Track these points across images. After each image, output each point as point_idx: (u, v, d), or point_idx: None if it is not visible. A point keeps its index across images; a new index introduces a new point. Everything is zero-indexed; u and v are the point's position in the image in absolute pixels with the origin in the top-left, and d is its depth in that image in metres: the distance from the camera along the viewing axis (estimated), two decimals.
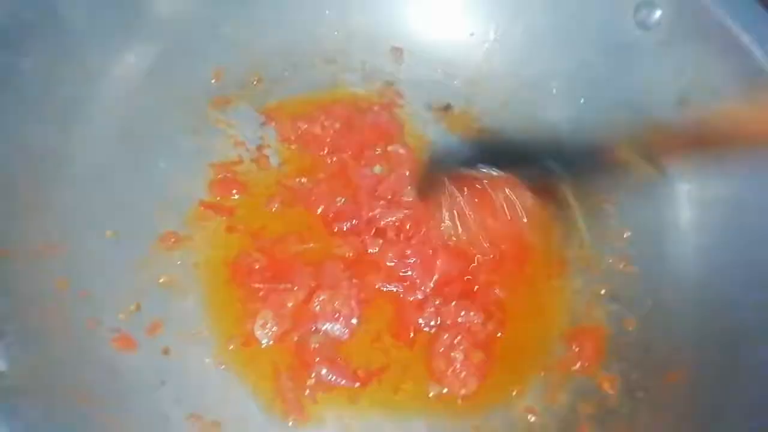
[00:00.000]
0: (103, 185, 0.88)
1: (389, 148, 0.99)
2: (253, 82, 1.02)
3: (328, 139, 0.99)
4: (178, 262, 0.87)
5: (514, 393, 0.84)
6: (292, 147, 0.99)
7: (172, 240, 0.88)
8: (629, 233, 0.95)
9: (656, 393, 0.83)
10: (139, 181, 0.90)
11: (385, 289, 0.89)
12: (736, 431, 0.74)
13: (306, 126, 0.99)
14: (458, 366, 0.83)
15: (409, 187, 0.94)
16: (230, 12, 1.01)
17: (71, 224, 0.83)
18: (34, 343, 0.72)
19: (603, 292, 0.92)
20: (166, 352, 0.81)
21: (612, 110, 0.98)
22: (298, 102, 1.03)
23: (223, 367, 0.81)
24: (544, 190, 0.92)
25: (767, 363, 0.77)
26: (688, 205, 0.93)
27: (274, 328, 0.83)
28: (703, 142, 0.77)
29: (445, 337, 0.85)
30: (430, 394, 0.83)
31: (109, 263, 0.84)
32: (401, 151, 0.99)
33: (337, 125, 1.00)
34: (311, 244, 0.91)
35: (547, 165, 0.93)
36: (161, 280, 0.86)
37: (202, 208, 0.92)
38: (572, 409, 0.84)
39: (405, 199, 0.94)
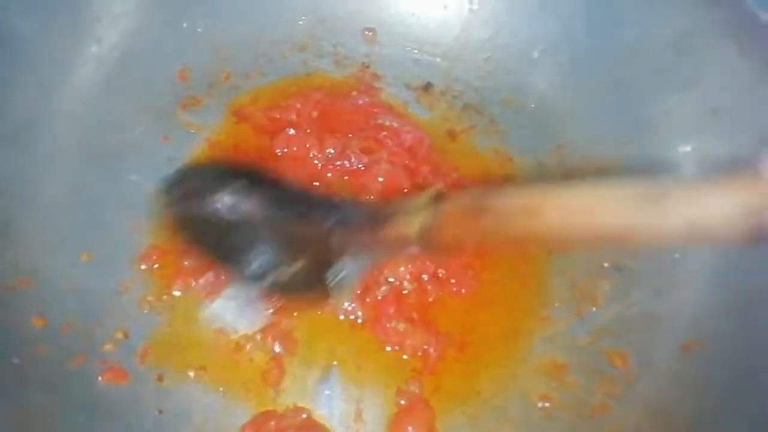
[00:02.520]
0: (72, 206, 0.83)
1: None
2: (221, 79, 0.97)
3: (308, 130, 0.93)
4: (163, 280, 0.83)
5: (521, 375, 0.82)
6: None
7: (154, 256, 0.83)
8: None
9: (673, 365, 0.81)
10: (112, 198, 0.86)
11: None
12: (762, 401, 0.71)
13: (279, 116, 0.94)
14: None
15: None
16: (189, 7, 0.96)
17: (43, 253, 0.79)
18: (13, 396, 0.67)
19: (606, 264, 0.88)
20: (160, 378, 0.77)
21: (598, 74, 0.94)
22: (270, 94, 0.98)
23: (221, 389, 0.77)
24: None
25: None
26: (690, 166, 0.90)
27: None
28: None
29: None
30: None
31: (89, 290, 0.80)
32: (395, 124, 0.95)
33: (315, 113, 0.95)
34: None
35: None
36: (147, 302, 0.81)
37: None
38: (588, 390, 0.81)
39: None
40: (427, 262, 0.86)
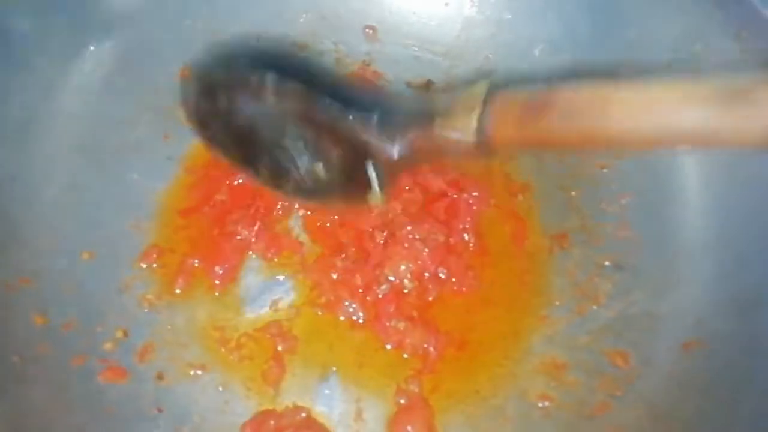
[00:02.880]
0: (73, 205, 0.84)
1: None
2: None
3: None
4: (164, 278, 0.83)
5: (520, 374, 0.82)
6: None
7: (155, 255, 0.83)
8: (628, 198, 0.91)
9: (674, 365, 0.80)
10: (112, 196, 0.86)
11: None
12: (762, 405, 0.71)
13: None
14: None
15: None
16: (190, 5, 0.95)
17: (44, 251, 0.79)
18: (13, 394, 0.67)
19: (607, 263, 0.88)
20: (160, 377, 0.77)
21: (599, 73, 0.94)
22: None
23: (220, 388, 0.78)
24: None
25: None
26: (688, 163, 0.89)
27: None
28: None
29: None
30: None
31: (90, 289, 0.80)
32: None
33: None
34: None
35: None
36: (147, 300, 0.81)
37: (183, 216, 0.86)
38: (588, 389, 0.81)
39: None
40: (428, 261, 0.86)
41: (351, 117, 0.66)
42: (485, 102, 0.60)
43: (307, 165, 0.71)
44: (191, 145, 0.91)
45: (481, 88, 0.61)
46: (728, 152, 0.84)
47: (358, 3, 1.02)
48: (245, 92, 0.70)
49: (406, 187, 0.90)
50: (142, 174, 0.88)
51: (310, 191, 0.74)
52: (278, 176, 0.74)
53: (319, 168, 0.71)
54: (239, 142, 0.75)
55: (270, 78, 0.67)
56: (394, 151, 0.66)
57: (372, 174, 0.68)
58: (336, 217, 0.88)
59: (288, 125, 0.69)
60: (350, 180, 0.71)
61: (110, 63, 0.90)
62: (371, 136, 0.66)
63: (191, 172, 0.89)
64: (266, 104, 0.69)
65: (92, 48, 0.89)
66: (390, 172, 0.69)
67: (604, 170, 0.92)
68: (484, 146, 0.60)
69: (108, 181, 0.86)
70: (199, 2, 0.96)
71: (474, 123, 0.59)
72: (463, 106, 0.61)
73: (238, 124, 0.72)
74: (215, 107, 0.73)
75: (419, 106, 0.65)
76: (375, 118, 0.65)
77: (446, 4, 1.02)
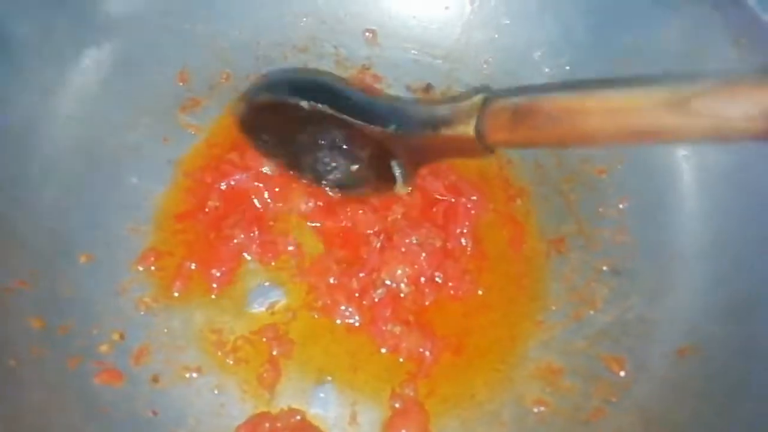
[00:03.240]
0: (71, 208, 0.84)
1: None
2: (222, 81, 0.97)
3: None
4: (161, 281, 0.83)
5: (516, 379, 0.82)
6: None
7: (152, 258, 0.84)
8: (626, 203, 0.91)
9: (670, 370, 0.80)
10: (111, 199, 0.86)
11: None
12: (757, 411, 0.71)
13: None
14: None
15: None
16: (190, 8, 0.95)
17: (41, 254, 0.80)
18: (9, 396, 0.68)
19: (604, 268, 0.88)
20: (155, 380, 0.78)
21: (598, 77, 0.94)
22: None
23: (216, 391, 0.78)
24: None
25: None
26: (686, 169, 0.89)
27: None
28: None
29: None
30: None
31: (87, 292, 0.80)
32: None
33: None
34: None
35: None
36: (144, 303, 0.82)
37: (178, 221, 0.87)
38: (584, 394, 0.81)
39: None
40: (425, 266, 0.86)
41: (374, 128, 0.80)
42: (481, 110, 0.73)
43: (344, 166, 0.87)
44: (190, 148, 0.92)
45: (478, 99, 0.74)
46: (724, 159, 0.84)
47: (358, 7, 1.02)
48: (292, 114, 0.82)
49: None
50: (141, 177, 0.88)
51: (347, 185, 0.89)
52: (320, 175, 0.89)
53: (354, 168, 0.87)
54: (286, 150, 0.88)
55: (312, 105, 0.81)
56: (409, 150, 0.81)
57: (396, 170, 0.84)
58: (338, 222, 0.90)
59: (325, 137, 0.84)
60: (378, 174, 0.86)
61: (109, 66, 0.90)
62: (391, 142, 0.81)
63: (189, 175, 0.90)
64: (309, 123, 0.83)
65: (91, 51, 0.89)
66: (410, 168, 0.84)
67: (602, 175, 0.92)
68: (482, 146, 0.74)
69: (106, 184, 0.87)
70: (198, 6, 0.96)
71: (472, 129, 0.73)
72: (462, 114, 0.75)
73: (285, 136, 0.86)
74: (266, 122, 0.87)
75: (427, 116, 0.79)
76: (393, 128, 0.79)
77: (446, 8, 1.02)
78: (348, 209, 0.88)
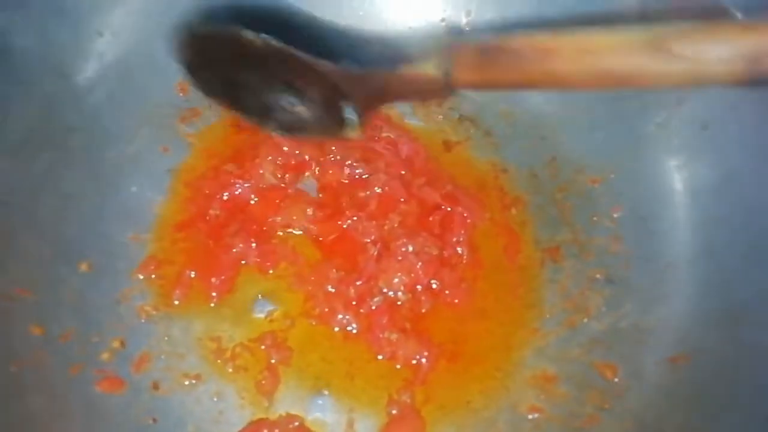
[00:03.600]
0: (72, 217, 0.85)
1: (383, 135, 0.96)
2: None
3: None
4: (161, 289, 0.84)
5: (511, 387, 0.83)
6: None
7: (152, 266, 0.85)
8: (619, 212, 0.92)
9: (662, 378, 0.82)
10: (111, 208, 0.87)
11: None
12: (749, 418, 0.72)
13: None
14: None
15: None
16: (189, 19, 0.96)
17: (42, 262, 0.81)
18: (10, 403, 0.69)
19: (598, 276, 0.89)
20: (155, 387, 0.79)
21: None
22: None
23: (215, 398, 0.79)
24: None
25: None
26: (677, 179, 0.91)
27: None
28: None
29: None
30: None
31: (87, 300, 0.81)
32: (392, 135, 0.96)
33: None
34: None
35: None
36: (144, 311, 0.83)
37: (179, 229, 0.88)
38: (578, 401, 0.82)
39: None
40: (422, 274, 0.87)
41: (326, 64, 0.74)
42: (447, 49, 0.68)
43: (290, 105, 0.82)
44: (190, 157, 0.93)
45: (444, 37, 0.72)
46: (716, 169, 0.86)
47: (355, 18, 1.03)
48: (235, 47, 0.76)
49: (402, 199, 0.91)
50: (141, 186, 0.89)
51: (294, 128, 0.84)
52: (265, 116, 0.84)
53: (300, 108, 0.81)
54: (230, 88, 0.83)
55: (256, 36, 0.75)
56: (364, 90, 0.76)
57: (347, 112, 0.77)
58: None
59: (272, 73, 0.78)
60: (328, 116, 0.80)
61: (111, 78, 0.91)
62: (344, 80, 0.75)
63: (189, 185, 0.91)
64: (254, 57, 0.76)
65: (93, 63, 0.90)
66: (363, 110, 0.78)
67: (596, 185, 0.93)
68: (446, 87, 0.69)
69: (107, 193, 0.88)
70: (198, 17, 0.97)
71: (437, 68, 0.68)
72: (427, 52, 0.70)
73: (229, 73, 0.81)
74: (208, 58, 0.80)
75: (386, 52, 0.77)
76: (347, 64, 0.74)
77: (442, 20, 1.03)
78: (346, 218, 0.89)
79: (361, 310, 0.85)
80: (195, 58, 0.81)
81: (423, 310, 0.86)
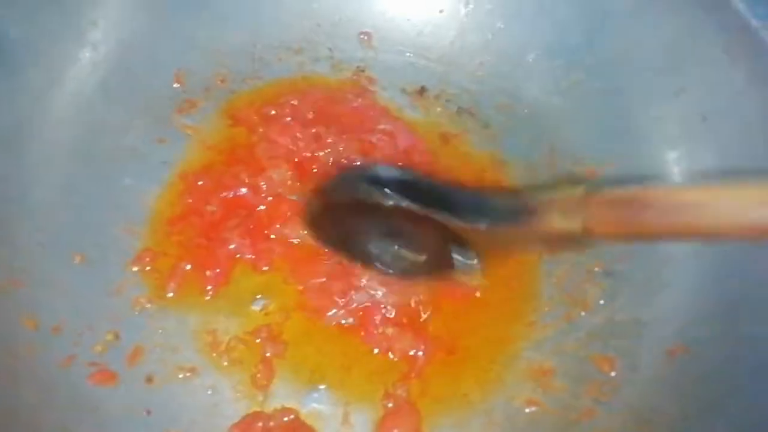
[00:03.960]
0: (66, 208, 0.84)
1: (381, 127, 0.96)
2: (217, 82, 0.98)
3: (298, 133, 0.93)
4: (156, 282, 0.84)
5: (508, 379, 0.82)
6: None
7: (147, 258, 0.84)
8: None
9: (660, 370, 0.81)
10: (105, 200, 0.87)
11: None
12: (746, 411, 0.72)
13: (275, 112, 0.95)
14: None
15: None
16: (186, 11, 0.96)
17: (35, 254, 0.80)
18: (1, 396, 0.68)
19: (596, 269, 0.89)
20: (149, 380, 0.78)
21: (591, 80, 0.95)
22: (266, 96, 0.99)
23: (210, 391, 0.78)
24: None
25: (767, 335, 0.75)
26: (675, 172, 0.90)
27: None
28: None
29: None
30: None
31: (81, 292, 0.81)
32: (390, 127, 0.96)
33: (311, 114, 0.96)
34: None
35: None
36: (139, 303, 0.82)
37: (175, 221, 0.87)
38: (574, 394, 0.81)
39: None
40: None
41: (451, 220, 0.74)
42: (584, 203, 0.66)
43: (407, 255, 0.83)
44: (186, 150, 0.92)
45: (579, 190, 0.67)
46: (713, 162, 0.85)
47: (353, 10, 1.03)
48: (362, 209, 0.78)
49: None
50: (136, 178, 0.89)
51: (399, 269, 0.84)
52: (370, 257, 0.85)
53: (409, 253, 0.83)
54: (338, 230, 0.86)
55: (388, 199, 0.76)
56: (489, 243, 0.76)
57: (458, 258, 0.78)
58: None
59: (388, 224, 0.80)
60: (438, 261, 0.80)
61: (106, 68, 0.91)
62: (469, 234, 0.75)
63: (184, 178, 0.90)
64: (373, 211, 0.77)
65: (88, 53, 0.90)
66: (488, 259, 0.79)
67: (593, 177, 0.93)
68: (580, 240, 0.67)
69: (101, 184, 0.87)
70: (194, 8, 0.97)
71: (578, 224, 0.65)
72: (565, 207, 0.67)
73: (342, 220, 0.84)
74: (331, 217, 0.85)
75: (520, 208, 0.72)
76: (485, 223, 0.74)
77: (441, 11, 1.03)
78: None
79: (353, 306, 0.84)
80: (321, 217, 0.85)
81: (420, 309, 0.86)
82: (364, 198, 0.77)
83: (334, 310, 0.84)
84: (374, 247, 0.84)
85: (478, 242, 0.76)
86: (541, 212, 0.69)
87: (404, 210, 0.75)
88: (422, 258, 0.82)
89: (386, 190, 0.76)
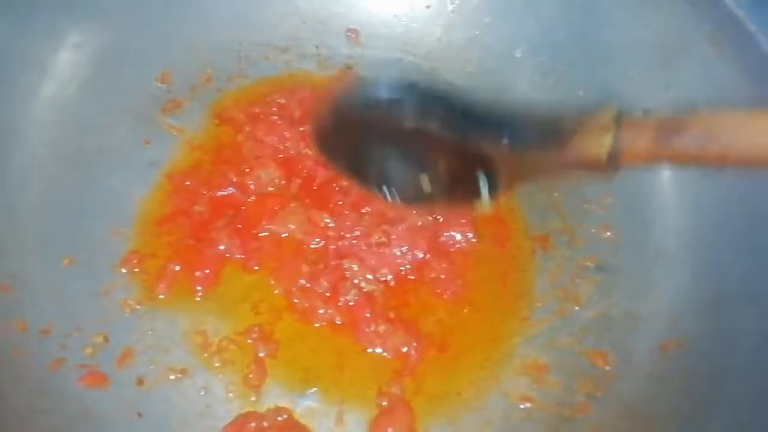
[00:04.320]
0: (53, 211, 0.83)
1: None
2: (203, 81, 0.97)
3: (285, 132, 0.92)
4: (145, 283, 0.83)
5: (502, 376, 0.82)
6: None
7: (135, 260, 0.83)
8: (610, 200, 0.91)
9: (653, 365, 0.81)
10: (92, 202, 0.86)
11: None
12: (739, 404, 0.72)
13: (260, 110, 0.94)
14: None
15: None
16: (170, 9, 0.95)
17: (24, 257, 0.80)
18: None
19: (589, 264, 0.88)
20: (140, 382, 0.77)
21: (578, 75, 0.95)
22: (253, 95, 0.98)
23: (202, 392, 0.78)
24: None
25: (759, 329, 0.75)
26: (667, 166, 0.90)
27: None
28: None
29: None
30: None
31: (70, 294, 0.80)
32: None
33: (297, 113, 0.95)
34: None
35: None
36: (128, 305, 0.81)
37: (162, 222, 0.86)
38: (569, 390, 0.81)
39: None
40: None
41: (476, 142, 0.70)
42: (618, 124, 0.62)
43: (413, 177, 0.77)
44: (172, 150, 0.91)
45: (611, 111, 0.63)
46: None
47: (340, 7, 1.02)
48: (380, 122, 0.74)
49: None
50: (122, 179, 0.88)
51: (416, 199, 0.80)
52: (390, 188, 0.81)
53: (425, 180, 0.77)
54: (356, 159, 0.81)
55: (411, 109, 0.71)
56: (513, 167, 0.70)
57: (483, 185, 0.72)
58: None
59: (407, 147, 0.75)
60: (456, 188, 0.76)
61: (89, 68, 0.90)
62: (493, 158, 0.70)
63: (171, 178, 0.89)
64: (401, 131, 0.72)
65: (71, 53, 0.89)
66: (508, 185, 0.74)
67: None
68: (613, 163, 0.63)
69: (88, 186, 0.86)
70: (179, 6, 0.96)
71: (608, 142, 0.62)
72: (596, 126, 0.63)
73: (356, 141, 0.78)
74: (344, 133, 0.79)
75: (547, 125, 0.68)
76: (506, 139, 0.68)
77: (427, 7, 1.02)
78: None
79: (340, 303, 0.83)
80: (331, 137, 0.80)
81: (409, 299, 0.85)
82: (380, 116, 0.73)
83: (322, 310, 0.83)
84: (390, 172, 0.80)
85: (503, 166, 0.70)
86: (570, 133, 0.65)
87: (425, 131, 0.71)
88: (439, 184, 0.77)
89: (406, 107, 0.71)
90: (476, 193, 0.74)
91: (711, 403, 0.74)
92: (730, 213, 0.83)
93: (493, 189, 0.73)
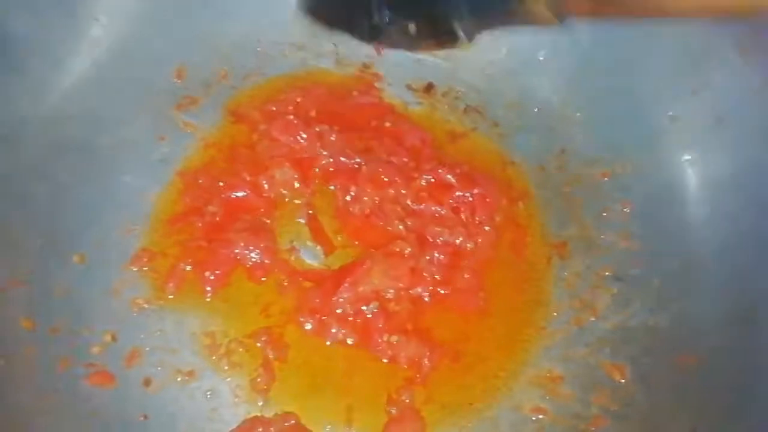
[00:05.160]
0: (65, 207, 0.83)
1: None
2: (219, 78, 0.96)
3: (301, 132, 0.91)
4: (154, 282, 0.82)
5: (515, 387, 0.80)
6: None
7: (145, 259, 0.82)
8: (630, 208, 0.89)
9: (671, 379, 0.79)
10: (104, 199, 0.85)
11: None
12: (758, 417, 0.70)
13: (276, 109, 0.93)
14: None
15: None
16: (187, 6, 0.94)
17: (34, 254, 0.79)
18: None
19: (607, 273, 0.86)
20: (147, 383, 0.76)
21: (603, 79, 0.93)
22: (268, 92, 0.97)
23: (209, 395, 0.77)
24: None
25: None
26: (689, 174, 0.89)
27: None
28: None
29: None
30: None
31: (79, 292, 0.79)
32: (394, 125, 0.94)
33: (313, 112, 0.93)
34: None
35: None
36: (137, 304, 0.80)
37: (174, 221, 0.85)
38: (584, 402, 0.79)
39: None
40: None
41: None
42: None
43: (400, 24, 0.92)
44: (186, 147, 0.91)
45: None
46: (728, 165, 0.83)
47: None
48: None
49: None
50: (135, 176, 0.87)
51: (402, 43, 0.94)
52: (375, 34, 0.93)
53: (411, 27, 0.91)
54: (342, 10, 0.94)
55: None
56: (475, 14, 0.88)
57: (460, 32, 0.90)
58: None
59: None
60: (436, 35, 0.92)
61: (107, 64, 0.89)
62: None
63: (184, 176, 0.88)
64: None
65: (89, 49, 0.88)
66: (475, 30, 0.90)
67: (606, 179, 0.91)
68: (560, 16, 0.77)
69: (100, 182, 0.85)
70: (195, 3, 0.95)
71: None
72: None
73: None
74: None
75: None
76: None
77: None
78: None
79: (358, 321, 0.81)
80: None
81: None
82: None
83: (333, 331, 0.81)
84: (379, 21, 0.91)
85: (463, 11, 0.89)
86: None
87: None
88: (421, 30, 0.92)
89: None
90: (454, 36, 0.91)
91: (730, 419, 0.72)
92: (756, 226, 0.81)
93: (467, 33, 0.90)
